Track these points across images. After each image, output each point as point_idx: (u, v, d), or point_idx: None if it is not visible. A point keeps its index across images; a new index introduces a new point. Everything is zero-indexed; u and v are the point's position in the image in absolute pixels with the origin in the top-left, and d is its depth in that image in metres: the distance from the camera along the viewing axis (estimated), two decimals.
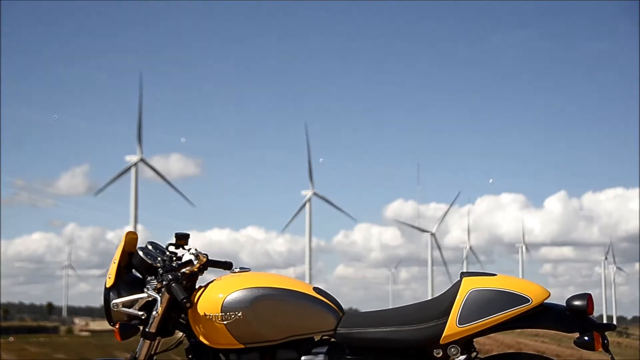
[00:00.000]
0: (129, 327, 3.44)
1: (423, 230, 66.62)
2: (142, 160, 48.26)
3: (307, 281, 3.66)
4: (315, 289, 3.49)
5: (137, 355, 3.49)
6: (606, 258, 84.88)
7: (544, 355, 3.48)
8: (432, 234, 66.94)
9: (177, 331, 3.56)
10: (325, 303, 3.43)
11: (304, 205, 56.25)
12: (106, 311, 3.54)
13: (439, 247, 67.09)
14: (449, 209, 68.82)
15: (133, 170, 48.31)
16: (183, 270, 3.46)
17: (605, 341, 3.20)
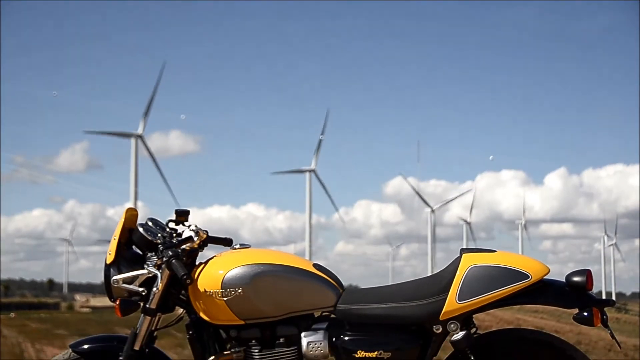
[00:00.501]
0: (129, 303, 3.45)
1: (426, 203, 66.73)
2: (140, 137, 48.22)
3: (307, 258, 3.67)
4: (315, 265, 3.49)
5: (137, 331, 3.50)
6: (607, 235, 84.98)
7: (543, 330, 3.49)
8: (432, 211, 67.10)
9: (177, 307, 3.57)
10: (325, 279, 3.44)
11: (303, 172, 56.29)
12: (107, 287, 3.54)
13: (434, 224, 67.32)
14: (456, 198, 69.13)
15: (133, 146, 48.33)
16: (183, 246, 3.46)
17: (604, 317, 3.21)
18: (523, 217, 77.84)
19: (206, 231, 3.57)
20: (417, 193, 66.68)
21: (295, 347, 3.39)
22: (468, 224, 72.98)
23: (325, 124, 57.62)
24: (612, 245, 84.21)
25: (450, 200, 70.46)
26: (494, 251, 3.33)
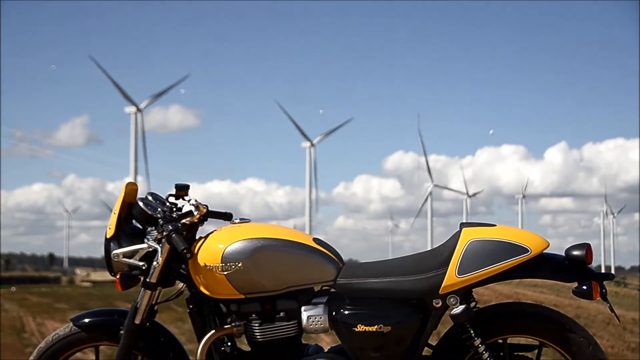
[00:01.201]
0: (129, 277, 3.46)
1: (430, 175, 66.87)
2: (140, 111, 48.25)
3: (307, 233, 3.66)
4: (315, 239, 3.49)
5: (138, 305, 3.50)
6: (609, 206, 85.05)
7: (543, 304, 3.50)
8: (434, 185, 67.29)
9: (177, 281, 3.57)
10: (325, 254, 3.44)
11: (303, 135, 56.39)
12: (107, 262, 3.54)
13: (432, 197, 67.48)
14: (458, 192, 69.48)
15: (133, 121, 48.35)
16: (183, 221, 3.46)
17: (604, 290, 3.22)
18: (523, 191, 77.92)
19: (206, 205, 3.56)
20: (427, 163, 66.83)
21: (296, 321, 3.39)
22: (470, 196, 73.10)
23: (340, 126, 58.20)
24: (612, 215, 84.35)
25: (450, 189, 70.80)
26: (494, 225, 3.33)
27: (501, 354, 3.35)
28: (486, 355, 3.27)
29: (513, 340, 3.40)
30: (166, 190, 3.61)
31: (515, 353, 3.38)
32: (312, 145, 56.91)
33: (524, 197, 76.90)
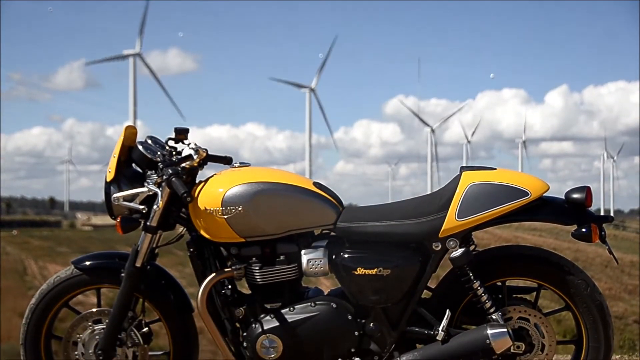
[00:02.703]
0: (130, 220, 3.46)
1: (425, 123, 66.79)
2: (139, 55, 48.01)
3: (307, 177, 3.65)
4: (315, 183, 3.49)
5: (138, 249, 3.51)
6: (610, 157, 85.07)
7: (541, 247, 3.51)
8: (432, 130, 67.16)
9: (178, 225, 3.58)
10: (325, 197, 3.44)
11: (302, 87, 56.30)
12: (107, 205, 3.55)
13: (435, 144, 67.44)
14: (454, 114, 69.22)
15: (131, 65, 48.11)
16: (183, 164, 3.45)
17: (603, 233, 3.23)
18: (523, 135, 77.87)
19: (206, 149, 3.55)
20: (416, 114, 66.76)
21: (296, 264, 3.41)
22: (469, 142, 73.08)
23: (330, 50, 57.84)
24: (612, 159, 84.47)
25: (449, 117, 70.54)
26: (494, 169, 3.33)
27: (500, 296, 3.37)
28: (485, 297, 3.29)
29: (512, 282, 3.42)
30: (164, 133, 3.60)
31: (514, 295, 3.41)
32: (312, 90, 56.67)
33: (525, 144, 76.91)
